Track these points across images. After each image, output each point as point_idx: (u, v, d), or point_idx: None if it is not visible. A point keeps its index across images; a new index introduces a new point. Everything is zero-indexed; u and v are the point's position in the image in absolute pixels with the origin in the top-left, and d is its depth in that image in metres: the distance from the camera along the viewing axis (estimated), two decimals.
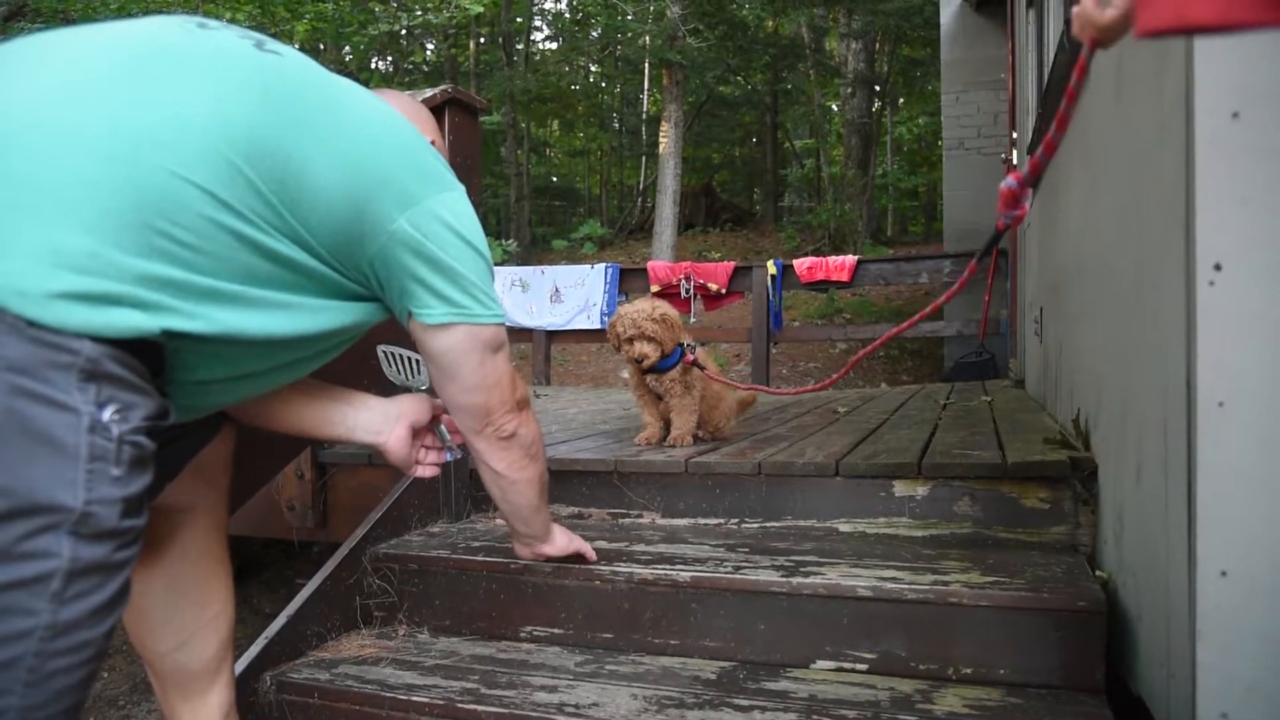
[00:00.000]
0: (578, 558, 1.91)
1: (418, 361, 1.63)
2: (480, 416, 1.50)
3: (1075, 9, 0.96)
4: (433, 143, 1.45)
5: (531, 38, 21.07)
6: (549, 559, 1.87)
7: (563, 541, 1.84)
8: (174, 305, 1.08)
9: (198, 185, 1.08)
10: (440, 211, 1.31)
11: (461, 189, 1.38)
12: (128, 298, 1.03)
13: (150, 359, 1.09)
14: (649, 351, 2.71)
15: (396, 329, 1.51)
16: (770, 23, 17.61)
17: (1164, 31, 0.77)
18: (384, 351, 1.69)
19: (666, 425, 2.87)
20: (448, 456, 1.68)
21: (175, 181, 1.07)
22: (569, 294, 7.31)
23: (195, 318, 1.10)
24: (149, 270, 1.05)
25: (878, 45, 16.81)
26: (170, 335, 1.08)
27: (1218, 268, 1.16)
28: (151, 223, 1.05)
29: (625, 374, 2.64)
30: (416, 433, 1.60)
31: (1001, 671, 1.65)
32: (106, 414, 1.01)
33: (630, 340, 2.73)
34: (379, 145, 1.28)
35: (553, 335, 7.45)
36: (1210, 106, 1.17)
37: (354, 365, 1.98)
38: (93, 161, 1.04)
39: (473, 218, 1.38)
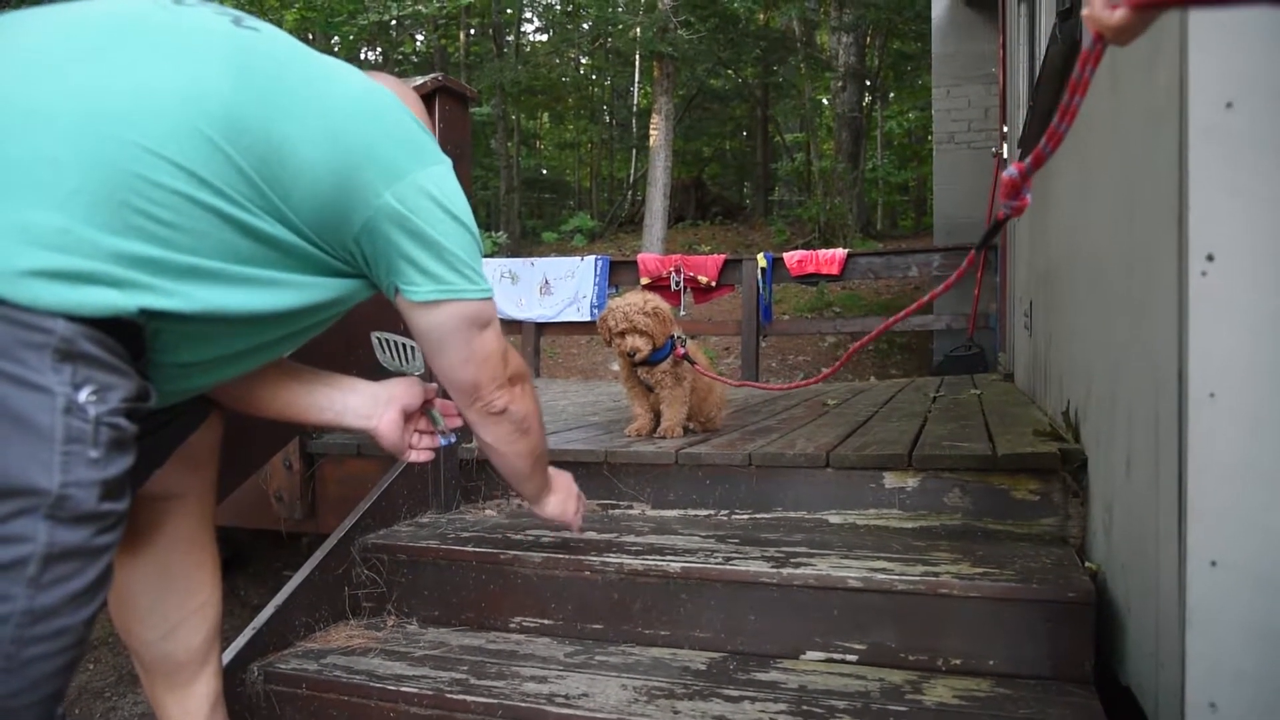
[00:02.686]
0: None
1: (412, 347, 1.62)
2: (469, 392, 1.49)
3: (1084, 11, 0.94)
4: None
5: (522, 29, 20.98)
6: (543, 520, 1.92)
7: (554, 508, 1.86)
8: (151, 283, 1.06)
9: (173, 161, 1.07)
10: (426, 185, 1.29)
11: (448, 162, 1.36)
12: (103, 275, 1.02)
13: (129, 340, 1.07)
14: (640, 345, 2.69)
15: (386, 315, 1.49)
16: (761, 16, 17.58)
17: (1154, 3, 0.77)
18: (378, 338, 1.67)
19: (657, 417, 2.86)
20: (442, 441, 1.66)
21: (149, 157, 1.05)
22: (559, 286, 7.29)
23: (174, 296, 1.08)
24: (125, 248, 1.04)
25: (869, 39, 16.78)
26: (149, 314, 1.07)
27: (1210, 258, 1.16)
28: (126, 199, 1.04)
29: (615, 366, 2.60)
30: (408, 417, 1.58)
31: (991, 662, 1.65)
32: (83, 395, 1.00)
33: (622, 334, 2.72)
34: (361, 119, 1.26)
35: (542, 327, 7.43)
36: (1204, 96, 1.16)
37: (343, 352, 1.98)
38: (62, 138, 1.02)
39: (459, 192, 1.36)
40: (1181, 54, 1.19)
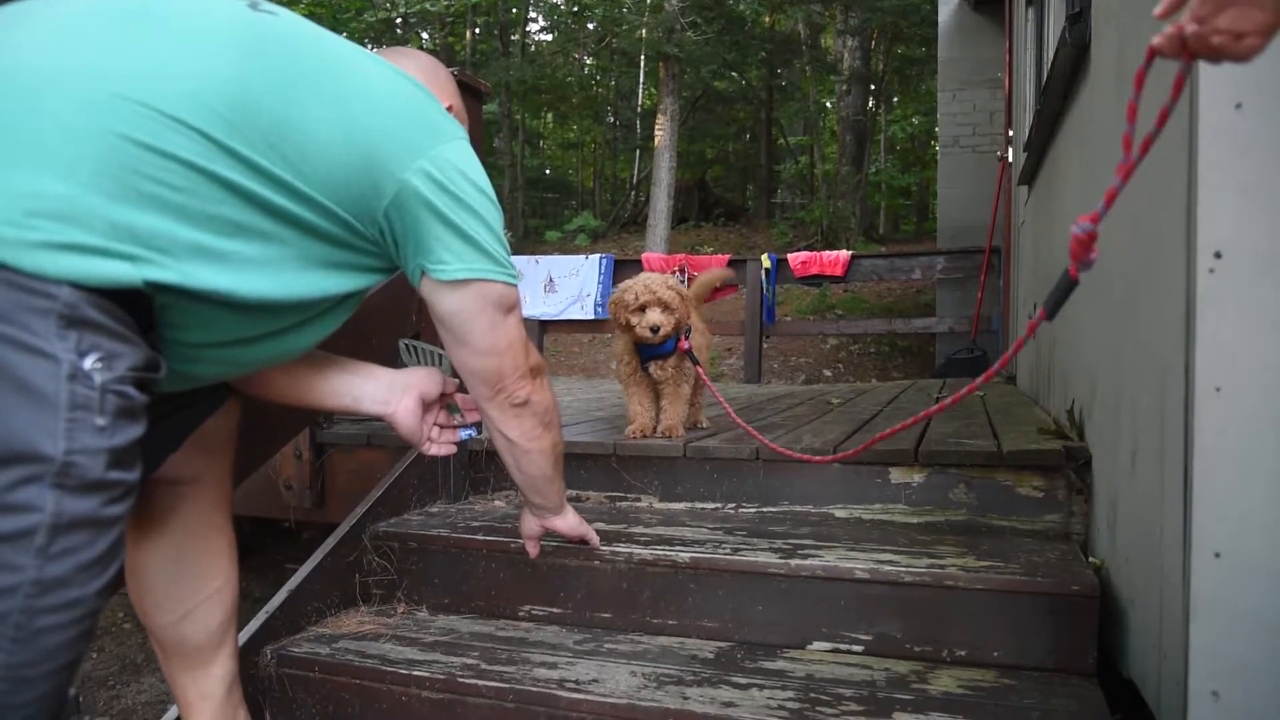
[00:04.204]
0: (581, 542, 1.90)
1: (440, 355, 1.61)
2: (492, 382, 1.46)
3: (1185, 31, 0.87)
4: (449, 108, 1.44)
5: (527, 29, 21.01)
6: (558, 534, 1.84)
7: (574, 520, 1.81)
8: (157, 257, 1.07)
9: (184, 133, 1.08)
10: (453, 158, 1.31)
11: (466, 137, 1.36)
12: (108, 245, 1.02)
13: (138, 311, 1.08)
14: (663, 320, 2.47)
15: (398, 309, 1.50)
16: (767, 18, 17.60)
17: None
18: (406, 345, 1.67)
19: (654, 416, 2.73)
20: (463, 435, 1.64)
21: (160, 129, 1.06)
22: (563, 284, 7.32)
23: (180, 271, 1.09)
24: (132, 218, 1.04)
25: (874, 43, 16.83)
26: (155, 287, 1.07)
27: (1218, 255, 1.19)
28: (136, 168, 1.05)
29: (615, 365, 2.43)
30: (427, 408, 1.58)
31: (995, 654, 1.68)
32: (88, 362, 1.00)
33: (643, 308, 2.49)
34: (381, 98, 1.27)
35: (546, 325, 7.46)
36: (1214, 97, 1.19)
37: (354, 342, 2.00)
38: (72, 107, 1.03)
39: (481, 168, 1.36)
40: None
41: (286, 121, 1.17)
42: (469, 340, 1.41)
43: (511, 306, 1.42)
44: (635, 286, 2.53)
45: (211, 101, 1.11)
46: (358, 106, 1.24)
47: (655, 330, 2.49)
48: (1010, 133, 5.68)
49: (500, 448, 1.59)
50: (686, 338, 2.66)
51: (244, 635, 1.79)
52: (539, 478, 1.65)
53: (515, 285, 1.42)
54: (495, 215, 1.38)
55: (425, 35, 17.79)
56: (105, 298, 1.03)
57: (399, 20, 15.55)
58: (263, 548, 4.24)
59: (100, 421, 1.01)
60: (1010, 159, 5.66)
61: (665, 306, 2.49)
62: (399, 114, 1.29)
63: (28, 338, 0.97)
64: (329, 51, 1.27)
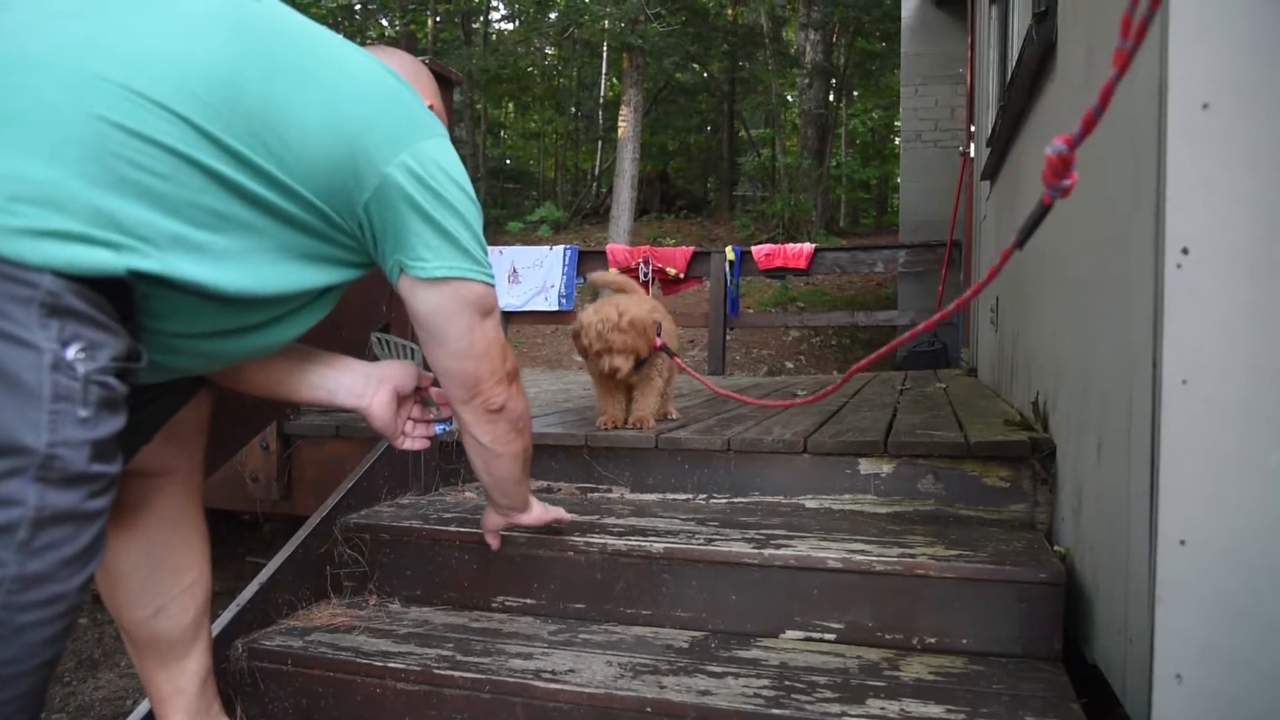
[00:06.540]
0: (549, 528, 1.90)
1: (413, 349, 1.60)
2: (469, 386, 1.44)
3: None
4: (430, 107, 1.44)
5: (489, 17, 20.84)
6: (523, 528, 1.84)
7: (538, 512, 1.80)
8: (140, 246, 1.05)
9: (168, 119, 1.07)
10: (435, 155, 1.30)
11: (446, 134, 1.36)
12: (90, 233, 1.01)
13: (119, 300, 1.06)
14: (620, 364, 2.48)
15: (371, 300, 1.48)
16: (730, 10, 17.65)
17: None
18: (377, 337, 1.66)
19: (625, 406, 2.74)
20: (438, 429, 1.63)
21: (144, 114, 1.05)
22: (527, 275, 7.28)
23: (163, 260, 1.07)
24: (115, 205, 1.03)
25: (836, 37, 16.94)
26: (137, 276, 1.06)
27: (1185, 251, 1.22)
28: (120, 152, 1.03)
29: (580, 356, 2.39)
30: (402, 401, 1.57)
31: (964, 641, 1.71)
32: (71, 352, 0.98)
33: (599, 354, 2.51)
34: (366, 87, 1.27)
35: (509, 316, 7.42)
36: (1182, 97, 1.22)
37: (330, 331, 1.97)
38: (56, 87, 1.02)
39: (462, 167, 1.36)
40: (1161, 58, 1.24)
41: (270, 108, 1.16)
42: (446, 341, 1.40)
43: (490, 309, 1.41)
44: (589, 331, 2.50)
45: (194, 86, 1.09)
46: (342, 94, 1.23)
47: (615, 374, 2.51)
48: (972, 128, 5.76)
49: (470, 450, 1.57)
50: (659, 335, 2.65)
51: (215, 629, 1.77)
52: (507, 480, 1.64)
53: (494, 287, 1.41)
54: (475, 215, 1.37)
55: (385, 22, 17.58)
56: (87, 286, 1.01)
57: (357, 7, 15.37)
58: (224, 540, 4.19)
59: (83, 413, 0.99)
60: (972, 154, 5.74)
61: (618, 352, 2.48)
62: (383, 104, 1.28)
63: (9, 327, 0.95)
64: (315, 39, 1.26)
